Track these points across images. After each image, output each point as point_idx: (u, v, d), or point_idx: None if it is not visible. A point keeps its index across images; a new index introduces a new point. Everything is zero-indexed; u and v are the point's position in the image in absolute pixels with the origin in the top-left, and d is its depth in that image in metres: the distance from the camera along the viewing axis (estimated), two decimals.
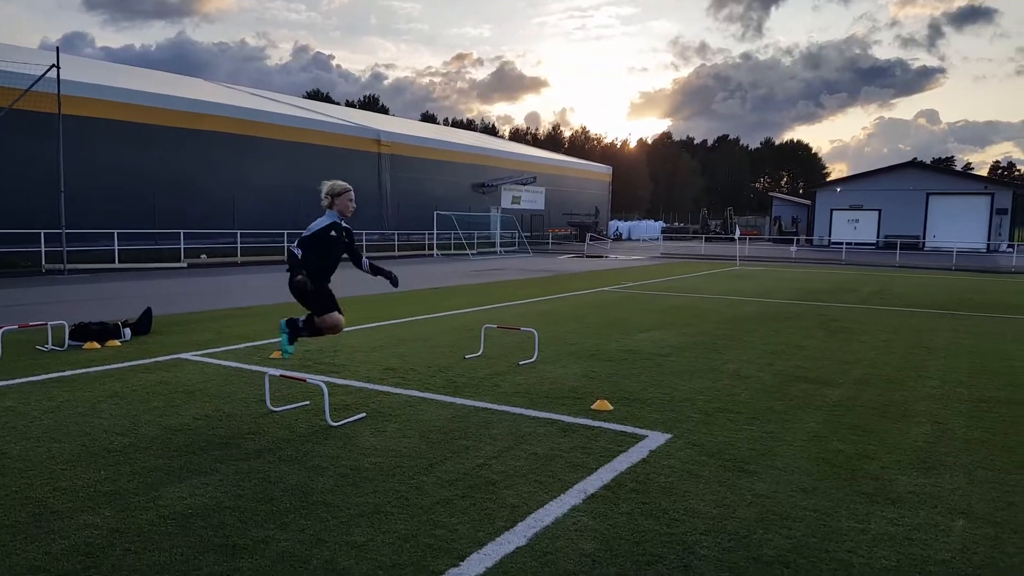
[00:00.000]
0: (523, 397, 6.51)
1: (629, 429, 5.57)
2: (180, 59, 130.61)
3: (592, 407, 6.15)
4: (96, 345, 8.76)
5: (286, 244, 28.80)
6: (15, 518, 3.86)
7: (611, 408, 6.13)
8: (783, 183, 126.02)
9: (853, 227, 50.31)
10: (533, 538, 3.68)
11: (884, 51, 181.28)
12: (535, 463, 4.79)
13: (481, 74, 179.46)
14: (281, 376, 6.08)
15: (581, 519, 3.92)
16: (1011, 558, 3.55)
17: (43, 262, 20.97)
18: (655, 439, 5.34)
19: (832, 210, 51.29)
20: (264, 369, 6.81)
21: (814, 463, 4.88)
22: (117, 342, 9.02)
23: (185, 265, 23.82)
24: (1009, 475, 4.71)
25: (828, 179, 69.45)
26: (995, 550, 3.63)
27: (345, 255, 6.24)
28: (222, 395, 6.51)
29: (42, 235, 20.85)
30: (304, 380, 5.83)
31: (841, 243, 43.69)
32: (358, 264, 6.32)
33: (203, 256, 26.04)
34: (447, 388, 6.83)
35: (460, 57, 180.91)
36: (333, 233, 5.97)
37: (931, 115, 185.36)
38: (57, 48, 20.37)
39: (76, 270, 20.66)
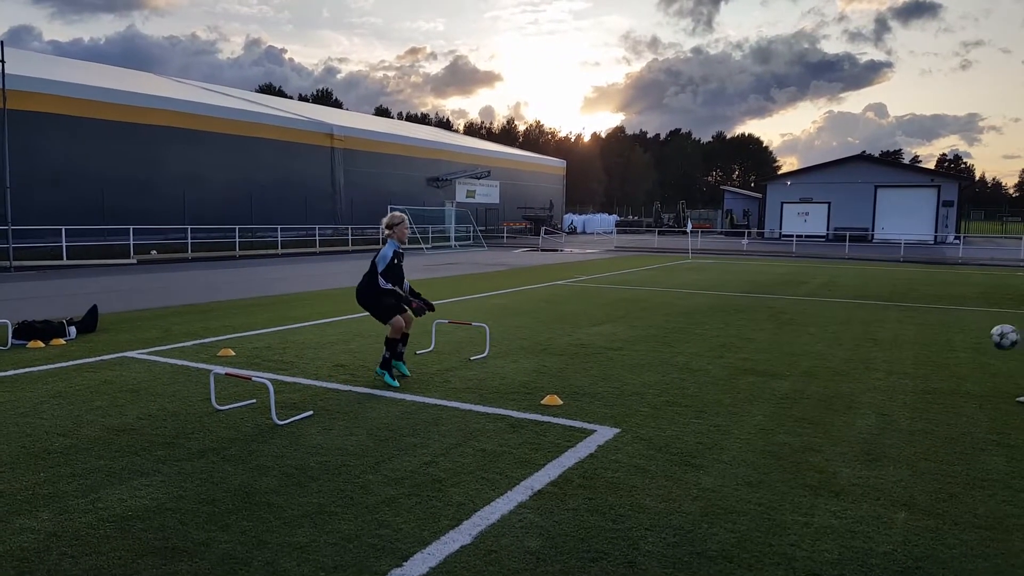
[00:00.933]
0: (473, 393, 6.51)
1: (578, 424, 5.61)
2: (130, 53, 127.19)
3: (542, 402, 6.18)
4: (40, 344, 8.51)
5: (237, 239, 28.30)
6: None
7: (561, 403, 6.17)
8: (735, 176, 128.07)
9: (803, 220, 51.37)
10: (478, 536, 3.68)
11: (832, 45, 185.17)
12: (483, 460, 4.79)
13: (435, 68, 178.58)
14: (227, 375, 5.98)
15: (527, 516, 3.94)
16: (951, 549, 3.64)
17: None
18: (603, 434, 5.38)
19: (783, 203, 52.29)
20: (210, 367, 6.69)
21: (760, 456, 4.98)
22: (62, 340, 8.77)
23: (135, 261, 23.24)
24: (951, 466, 4.85)
25: (779, 172, 70.81)
26: (936, 542, 3.73)
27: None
28: (167, 394, 6.38)
29: None
30: (250, 379, 5.74)
31: (792, 236, 44.57)
32: (400, 284, 7.04)
33: (153, 252, 25.43)
34: (397, 385, 6.78)
35: (414, 51, 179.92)
36: (396, 261, 6.94)
37: (879, 108, 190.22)
38: (1, 42, 19.64)
39: (22, 267, 20.00)
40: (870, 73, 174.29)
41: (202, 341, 8.97)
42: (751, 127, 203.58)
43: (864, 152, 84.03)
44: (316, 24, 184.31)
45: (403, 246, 7.11)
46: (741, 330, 10.43)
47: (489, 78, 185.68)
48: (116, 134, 26.66)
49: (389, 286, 6.86)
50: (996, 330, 6.78)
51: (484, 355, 8.14)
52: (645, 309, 12.68)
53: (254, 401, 6.06)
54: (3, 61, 18.83)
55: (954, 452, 5.14)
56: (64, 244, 22.11)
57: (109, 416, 5.68)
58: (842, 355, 8.67)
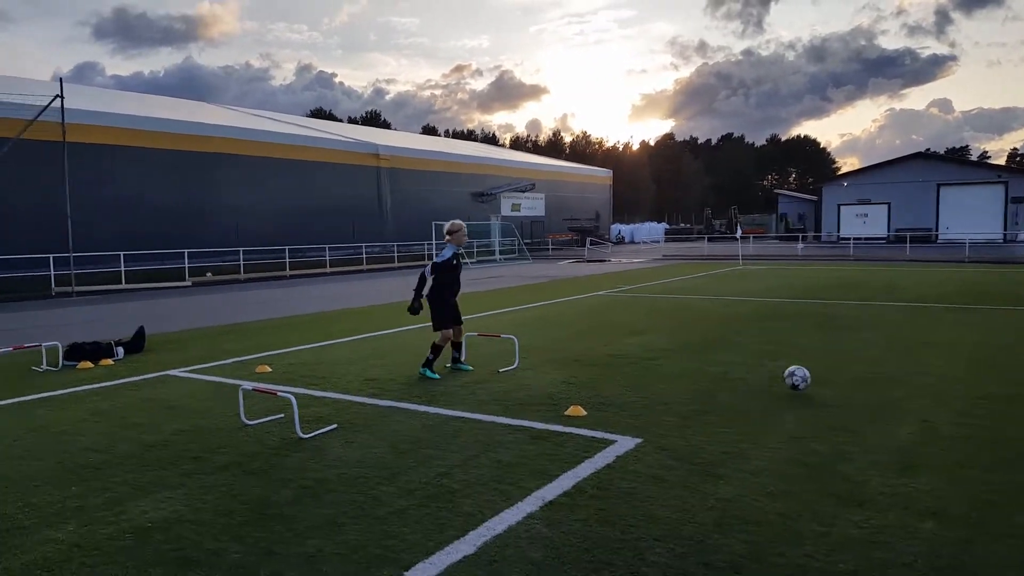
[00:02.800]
0: (497, 405, 6.50)
1: (599, 434, 5.54)
2: (188, 84, 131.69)
3: (565, 413, 6.13)
4: (89, 364, 8.85)
5: (287, 259, 28.98)
6: None
7: (584, 414, 6.10)
8: (791, 179, 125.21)
9: (862, 222, 49.94)
10: (482, 546, 3.66)
11: (891, 41, 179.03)
12: (498, 471, 4.77)
13: (480, 84, 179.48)
14: (254, 390, 6.11)
15: (535, 527, 3.90)
16: (979, 559, 3.47)
17: (53, 285, 21.19)
18: (624, 444, 5.31)
19: (840, 205, 50.94)
20: (240, 383, 6.85)
21: (786, 465, 4.83)
22: (110, 361, 9.10)
23: (189, 284, 24.00)
24: (992, 473, 4.62)
25: (838, 173, 68.96)
26: (963, 552, 3.55)
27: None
28: (201, 410, 6.55)
29: (51, 259, 21.10)
30: (275, 393, 5.84)
31: (851, 239, 43.37)
32: (451, 286, 7.98)
33: (208, 274, 26.23)
34: (423, 397, 6.83)
35: (459, 68, 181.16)
36: (455, 262, 7.92)
37: (944, 104, 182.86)
38: (60, 79, 20.69)
39: (84, 292, 20.86)
40: (933, 68, 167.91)
41: (241, 359, 9.19)
42: (807, 128, 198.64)
43: (928, 150, 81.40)
44: (364, 47, 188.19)
45: (461, 250, 8.03)
46: (787, 337, 10.17)
47: (535, 91, 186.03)
48: (172, 162, 27.63)
49: (430, 279, 7.74)
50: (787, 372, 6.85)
51: (513, 367, 8.12)
52: (686, 318, 12.48)
53: (282, 416, 6.17)
54: (62, 98, 19.75)
55: (997, 459, 4.90)
56: (123, 269, 22.98)
57: (144, 432, 5.86)
58: (894, 360, 8.37)
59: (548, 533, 3.82)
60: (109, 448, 5.44)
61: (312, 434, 5.66)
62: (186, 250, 25.45)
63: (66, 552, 3.68)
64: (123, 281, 22.77)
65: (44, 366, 8.69)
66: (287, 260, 28.76)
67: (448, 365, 8.13)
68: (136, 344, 9.85)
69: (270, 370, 8.34)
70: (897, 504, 4.14)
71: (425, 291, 7.77)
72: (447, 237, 7.95)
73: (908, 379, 7.35)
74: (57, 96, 19.69)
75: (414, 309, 7.71)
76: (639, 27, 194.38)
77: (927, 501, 4.18)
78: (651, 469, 4.78)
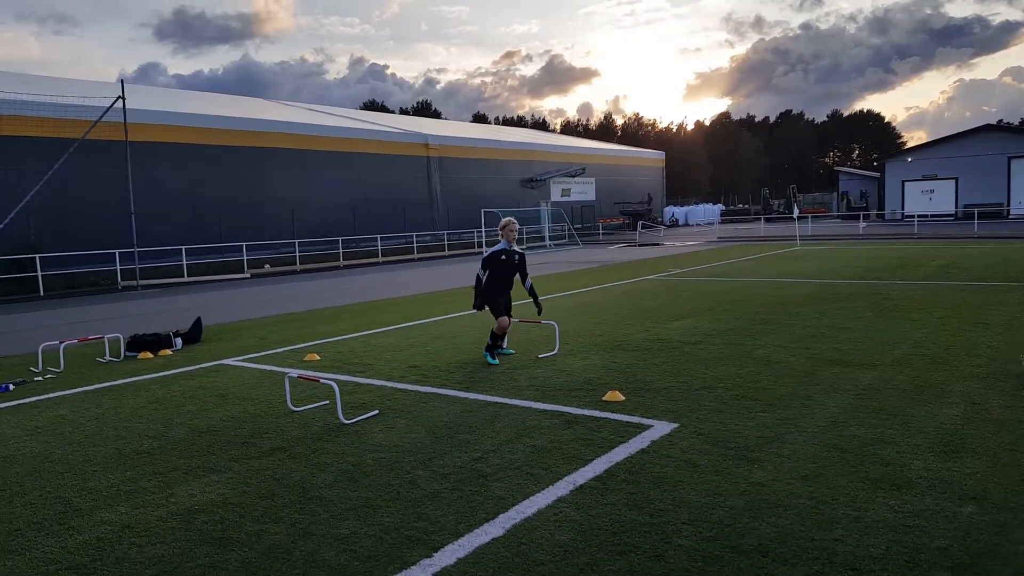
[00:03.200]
0: (535, 390, 6.56)
1: (635, 419, 5.55)
2: (245, 80, 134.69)
3: (603, 398, 6.15)
4: (149, 355, 9.23)
5: (341, 249, 29.53)
6: (43, 516, 4.16)
7: (623, 399, 6.11)
8: (855, 156, 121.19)
9: (928, 198, 48.14)
10: (511, 529, 3.73)
11: (959, 8, 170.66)
12: (532, 456, 4.83)
13: (531, 70, 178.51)
14: (299, 377, 6.30)
15: (564, 510, 3.95)
16: (1016, 545, 3.38)
17: (119, 280, 22.07)
18: (660, 428, 5.30)
19: (904, 182, 49.17)
20: (288, 371, 7.06)
21: (824, 449, 4.76)
22: (169, 351, 9.47)
23: (248, 276, 24.69)
24: None
25: (904, 149, 66.49)
26: (1001, 536, 3.47)
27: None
28: (252, 397, 6.78)
29: (117, 255, 21.97)
30: (318, 380, 6.02)
31: (916, 216, 41.86)
32: (523, 282, 8.23)
33: (266, 266, 26.92)
34: (463, 384, 6.93)
35: (509, 55, 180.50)
36: (502, 257, 8.01)
37: (1018, 72, 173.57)
38: (122, 81, 21.48)
39: (148, 285, 21.67)
40: (1005, 35, 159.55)
41: (293, 347, 9.46)
42: (871, 103, 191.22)
43: (1001, 121, 77.72)
44: (415, 38, 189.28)
45: (512, 246, 8.07)
46: (836, 319, 9.94)
47: (586, 75, 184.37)
48: (230, 158, 28.40)
49: (483, 274, 7.97)
50: None
51: (553, 353, 8.17)
52: (734, 301, 12.30)
53: (327, 402, 6.34)
54: (123, 99, 20.48)
55: None
56: (184, 263, 23.79)
57: (196, 419, 6.11)
58: (943, 342, 8.12)
59: (577, 516, 3.87)
60: (163, 434, 5.69)
61: (354, 420, 5.81)
62: (244, 243, 26.17)
63: (118, 533, 3.89)
64: (185, 275, 23.58)
65: (107, 357, 9.11)
66: (340, 251, 29.31)
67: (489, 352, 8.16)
68: (193, 335, 10.22)
69: (319, 358, 8.56)
70: (935, 488, 4.05)
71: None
72: (500, 233, 8.20)
73: (957, 361, 7.13)
74: (119, 97, 20.43)
75: (478, 306, 8.01)
76: (692, 5, 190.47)
77: (968, 485, 4.08)
78: (685, 454, 4.77)
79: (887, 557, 3.30)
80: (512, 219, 8.16)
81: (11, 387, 7.48)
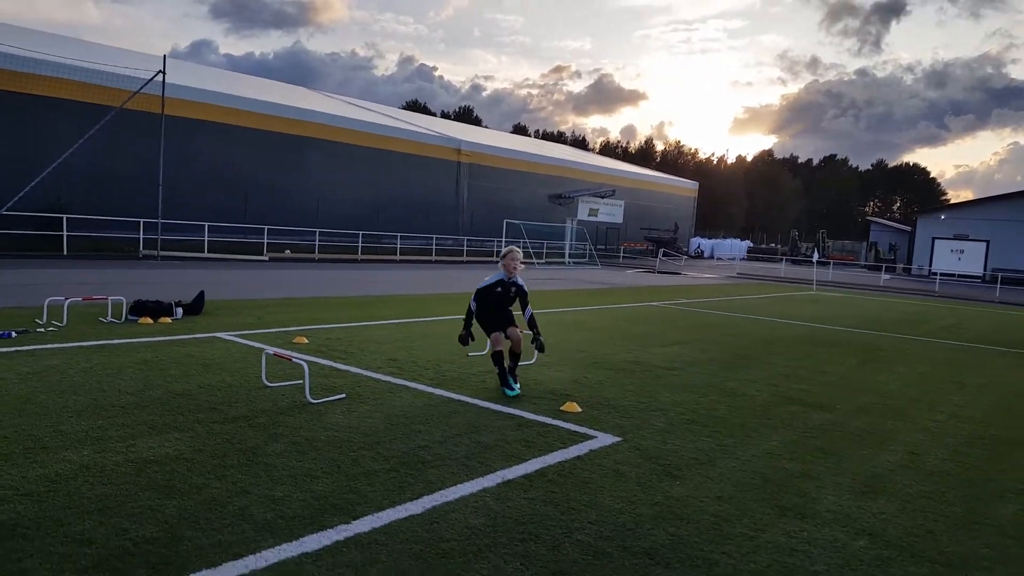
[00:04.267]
0: (500, 394, 6.84)
1: (582, 430, 5.82)
2: (295, 67, 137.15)
3: (560, 408, 6.42)
4: (149, 321, 9.66)
5: (360, 243, 30.05)
6: (12, 449, 4.53)
7: (579, 411, 6.38)
8: (895, 208, 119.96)
9: (957, 257, 47.63)
10: (430, 510, 4.03)
11: (1021, 70, 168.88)
12: (474, 450, 5.12)
13: (578, 86, 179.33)
14: (274, 355, 6.65)
15: (484, 499, 4.24)
16: None
17: (141, 248, 22.76)
18: (602, 440, 5.57)
19: (934, 238, 48.74)
20: (273, 349, 7.42)
21: (749, 476, 5.00)
22: (169, 319, 9.90)
23: (267, 259, 25.27)
24: (951, 507, 4.67)
25: (939, 206, 65.92)
26: (878, 569, 3.69)
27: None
28: (233, 369, 7.15)
29: (141, 224, 22.66)
30: (291, 360, 6.36)
31: (943, 274, 41.52)
32: (523, 312, 7.26)
33: (287, 252, 27.53)
34: (434, 380, 7.24)
35: (558, 69, 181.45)
36: (499, 289, 7.12)
37: None
38: (164, 56, 22.23)
39: (168, 257, 22.32)
40: None
41: (286, 329, 9.84)
42: (919, 156, 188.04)
43: None
44: (466, 43, 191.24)
45: (513, 278, 7.13)
46: (817, 363, 10.11)
47: (633, 97, 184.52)
48: (263, 142, 29.13)
49: (473, 306, 7.04)
50: None
51: (531, 362, 8.44)
52: (727, 335, 12.49)
53: (300, 382, 6.67)
54: (164, 73, 21.21)
55: (966, 496, 4.92)
56: (206, 239, 24.45)
57: (175, 383, 6.48)
58: (912, 395, 8.28)
59: (494, 506, 4.15)
60: (141, 392, 6.07)
61: (320, 400, 6.14)
62: (266, 226, 26.79)
63: (75, 471, 4.24)
64: (205, 250, 24.21)
65: (109, 318, 9.56)
66: (360, 244, 29.84)
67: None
68: (196, 306, 10.65)
69: (307, 341, 8.92)
70: (838, 521, 4.27)
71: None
72: (499, 262, 7.29)
73: (916, 414, 7.30)
74: (159, 71, 21.14)
75: (462, 338, 7.05)
76: (748, 38, 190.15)
77: (869, 522, 4.29)
78: (617, 464, 5.03)
79: (763, 573, 3.55)
80: (516, 249, 7.28)
81: (13, 335, 7.93)
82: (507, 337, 7.00)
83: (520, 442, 5.38)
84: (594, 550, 3.67)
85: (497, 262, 7.30)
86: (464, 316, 7.14)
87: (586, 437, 5.63)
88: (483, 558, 3.50)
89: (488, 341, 7.11)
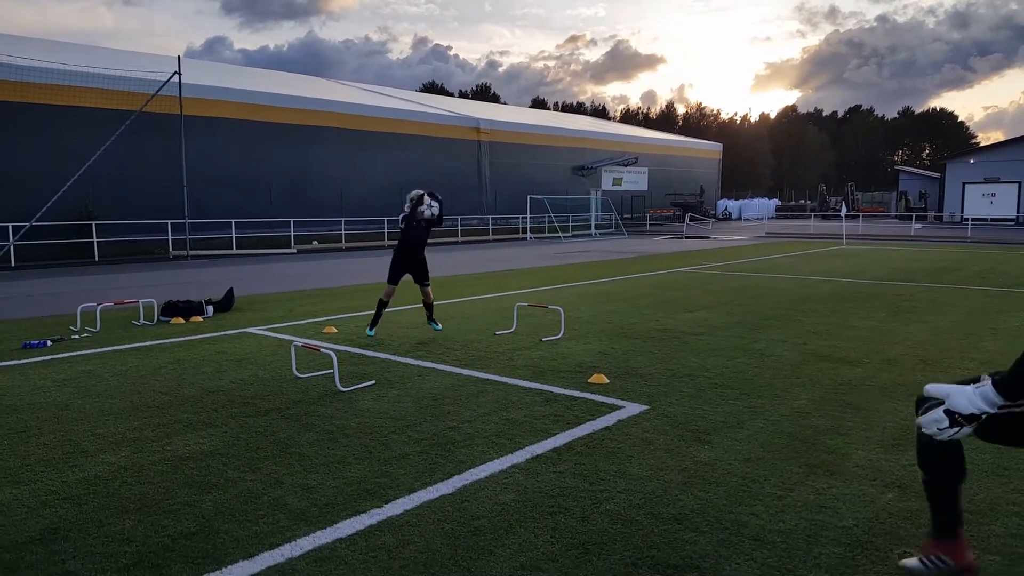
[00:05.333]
0: (528, 370, 6.89)
1: (610, 400, 5.84)
2: (310, 57, 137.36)
3: (588, 380, 6.45)
4: (181, 320, 9.85)
5: (385, 229, 30.20)
6: (53, 454, 4.68)
7: (607, 382, 6.40)
8: (924, 155, 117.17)
9: (989, 201, 46.52)
10: (460, 489, 4.09)
11: None
12: (503, 427, 5.18)
13: (595, 55, 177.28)
14: (303, 346, 6.75)
15: (514, 475, 4.29)
16: (918, 529, 3.58)
17: (170, 249, 23.14)
18: (630, 410, 5.59)
19: (964, 183, 47.60)
20: (304, 341, 7.53)
21: (777, 436, 4.98)
22: (200, 318, 10.09)
23: (295, 251, 25.54)
24: (982, 455, 4.59)
25: (967, 149, 64.21)
26: (907, 521, 3.68)
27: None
28: (264, 363, 7.28)
29: (169, 225, 23.01)
30: (319, 350, 6.46)
31: (975, 219, 40.59)
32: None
33: (315, 242, 27.77)
34: (461, 361, 7.31)
35: (573, 39, 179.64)
36: (403, 224, 8.78)
37: None
38: (179, 57, 22.41)
39: (198, 256, 22.66)
40: None
41: (315, 320, 9.98)
42: (946, 100, 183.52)
43: None
44: (479, 19, 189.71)
45: (418, 216, 8.65)
46: (846, 318, 9.99)
47: (651, 61, 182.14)
48: (283, 134, 29.31)
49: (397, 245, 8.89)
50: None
51: (557, 337, 8.47)
52: (755, 296, 12.39)
53: (331, 371, 6.78)
54: (179, 74, 21.39)
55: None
56: (234, 235, 24.76)
57: (209, 380, 6.63)
58: (943, 344, 8.16)
59: (524, 481, 4.20)
60: (175, 391, 6.22)
61: (350, 388, 6.24)
62: (292, 219, 27.05)
63: (114, 472, 4.37)
64: (234, 247, 24.54)
65: (142, 320, 9.77)
66: (385, 230, 30.00)
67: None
68: (225, 303, 10.84)
69: (336, 331, 9.04)
70: (867, 476, 4.26)
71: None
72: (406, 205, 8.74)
73: (948, 363, 7.20)
74: (175, 73, 21.32)
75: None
76: None
77: (899, 475, 4.27)
78: (644, 432, 5.05)
79: (792, 531, 3.56)
80: (419, 192, 8.90)
81: (49, 343, 8.14)
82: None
83: (548, 417, 5.42)
84: (623, 519, 3.70)
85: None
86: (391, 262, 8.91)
87: (614, 408, 5.65)
88: (513, 533, 3.55)
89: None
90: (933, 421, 2.52)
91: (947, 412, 2.49)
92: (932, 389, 2.59)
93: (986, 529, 3.62)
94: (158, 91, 21.47)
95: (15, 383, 6.51)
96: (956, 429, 2.49)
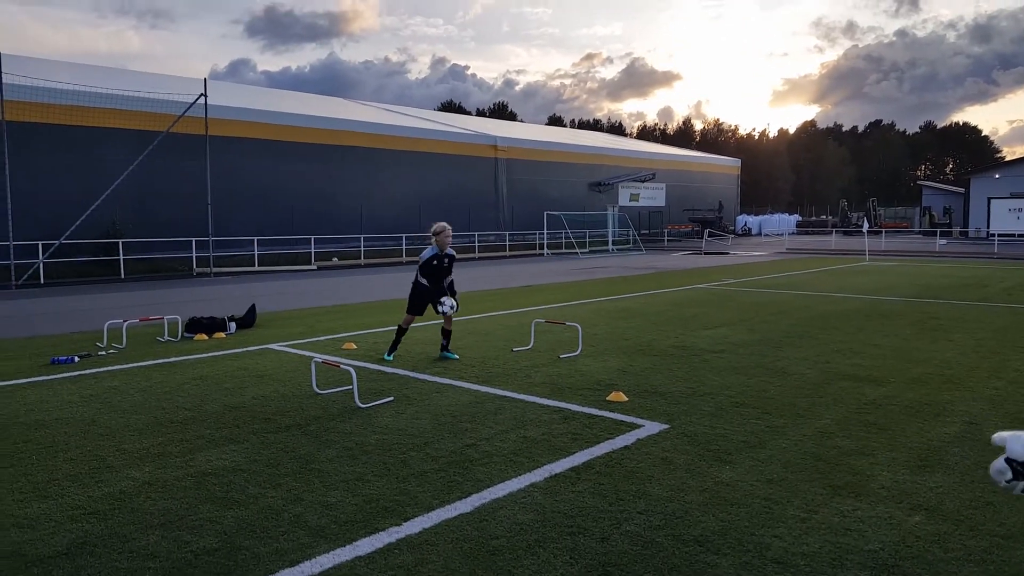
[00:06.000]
0: (546, 387, 6.88)
1: (630, 419, 5.81)
2: (331, 79, 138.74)
3: (607, 398, 6.42)
4: (204, 337, 9.96)
5: (404, 246, 30.38)
6: (79, 469, 4.74)
7: (625, 400, 6.37)
8: (948, 170, 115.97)
9: (1016, 217, 45.85)
10: (479, 507, 4.09)
11: None
12: (521, 445, 5.17)
13: (611, 72, 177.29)
14: (323, 362, 6.80)
15: (533, 495, 4.28)
16: (947, 553, 3.53)
17: (194, 266, 23.41)
18: (650, 429, 5.55)
19: (990, 199, 47.00)
20: (325, 357, 7.58)
21: (800, 456, 4.93)
22: (223, 334, 10.19)
23: (315, 268, 25.73)
24: None
25: (991, 164, 63.51)
26: (935, 545, 3.62)
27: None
28: (285, 379, 7.33)
29: (193, 243, 23.31)
30: (338, 366, 6.50)
31: (1007, 234, 40.02)
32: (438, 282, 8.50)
33: (335, 259, 27.98)
34: (479, 378, 7.31)
35: (589, 57, 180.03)
36: (434, 263, 8.33)
37: None
38: (205, 80, 22.83)
39: (221, 273, 22.90)
40: None
41: (336, 336, 10.04)
42: (969, 115, 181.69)
43: None
44: (496, 39, 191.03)
45: (445, 252, 8.32)
46: (871, 336, 9.88)
47: (667, 78, 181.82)
48: (305, 154, 29.66)
49: (424, 282, 8.29)
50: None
51: (575, 354, 8.45)
52: (776, 313, 12.29)
53: (350, 387, 6.81)
54: (205, 95, 21.76)
55: None
56: (256, 253, 25.02)
57: (231, 396, 6.68)
58: (970, 363, 8.04)
59: (542, 500, 4.19)
60: (198, 407, 6.28)
61: (369, 404, 6.27)
62: (313, 236, 27.30)
63: (138, 487, 4.42)
64: (256, 264, 24.78)
65: (166, 337, 9.88)
66: (404, 247, 30.17)
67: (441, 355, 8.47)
68: (248, 320, 10.94)
69: (355, 347, 9.09)
70: (893, 498, 4.19)
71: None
72: (432, 239, 8.30)
73: (975, 382, 7.09)
74: (201, 95, 21.70)
75: (432, 304, 8.28)
76: (781, 9, 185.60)
77: (926, 497, 4.20)
78: (665, 452, 5.02)
79: (816, 554, 3.51)
80: (445, 224, 8.38)
81: (76, 359, 8.27)
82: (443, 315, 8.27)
83: (567, 435, 5.40)
84: (643, 540, 3.67)
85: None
86: (414, 293, 8.38)
87: (633, 426, 5.62)
88: (532, 553, 3.54)
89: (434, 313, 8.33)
90: (998, 472, 2.28)
91: (1008, 461, 2.23)
92: (997, 438, 2.36)
93: (1018, 554, 3.55)
94: (185, 112, 21.84)
95: (43, 398, 6.61)
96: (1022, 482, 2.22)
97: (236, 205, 26.11)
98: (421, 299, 8.34)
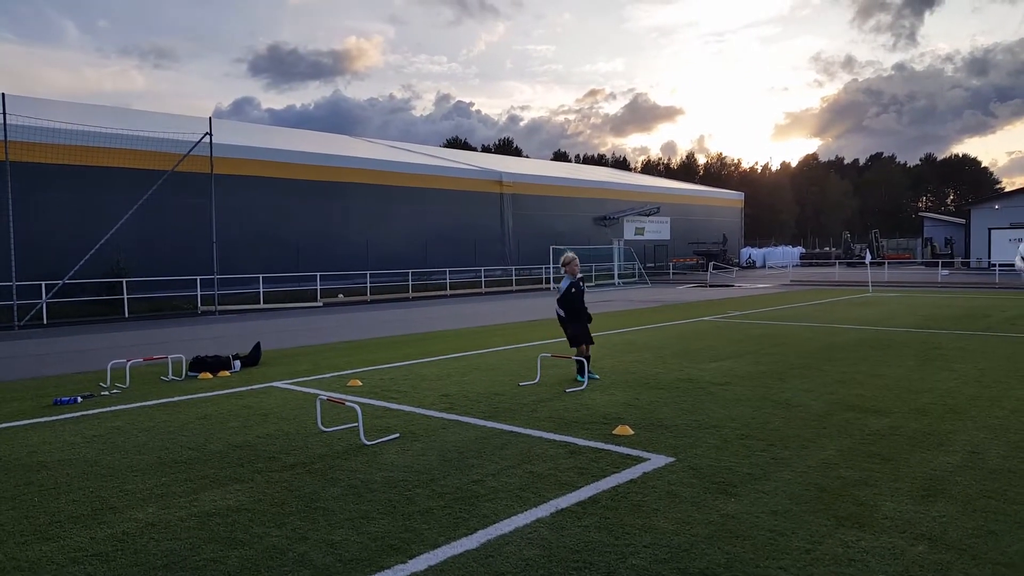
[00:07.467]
0: (552, 422, 6.87)
1: (636, 452, 5.80)
2: (336, 116, 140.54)
3: (613, 432, 6.42)
4: (209, 375, 9.98)
5: (410, 282, 30.49)
6: (81, 511, 4.74)
7: (631, 433, 6.37)
8: (948, 202, 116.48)
9: (1016, 247, 45.83)
10: (485, 544, 4.08)
11: None
12: (527, 480, 5.16)
13: (614, 108, 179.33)
14: (328, 399, 6.81)
15: (539, 530, 4.27)
16: None
17: (199, 304, 23.52)
18: (656, 462, 5.55)
19: (990, 229, 47.12)
20: (328, 394, 7.60)
21: (805, 488, 4.92)
22: (227, 372, 10.21)
23: (320, 304, 25.82)
24: (1014, 505, 4.53)
25: (991, 195, 63.78)
26: (938, 574, 3.61)
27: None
28: (290, 417, 7.34)
29: (198, 281, 23.45)
30: (343, 403, 6.52)
31: (1008, 264, 39.95)
32: (576, 310, 9.30)
33: (340, 296, 28.07)
34: (486, 413, 7.31)
35: (592, 93, 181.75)
36: (572, 290, 9.14)
37: None
38: (210, 119, 23.18)
39: (226, 311, 22.99)
40: None
41: (340, 373, 10.05)
42: (969, 147, 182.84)
43: None
44: (500, 76, 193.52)
45: (577, 277, 9.13)
46: (874, 367, 9.87)
47: (670, 113, 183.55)
48: (310, 191, 29.94)
49: (562, 312, 9.09)
50: None
51: (582, 387, 8.45)
52: (780, 345, 12.29)
53: (355, 424, 6.82)
54: (210, 135, 22.07)
55: None
56: (261, 290, 25.13)
57: (235, 435, 6.69)
58: (971, 393, 8.03)
59: (549, 536, 4.18)
60: (202, 447, 6.28)
61: (375, 441, 6.27)
62: (318, 273, 27.44)
63: (142, 529, 4.42)
64: (261, 302, 24.88)
65: (170, 376, 9.91)
66: (410, 283, 30.28)
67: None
68: (252, 358, 10.97)
69: (360, 384, 9.10)
70: (896, 528, 4.18)
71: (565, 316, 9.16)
72: (563, 269, 9.18)
73: (977, 412, 7.08)
74: (206, 134, 22.01)
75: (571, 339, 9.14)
76: (781, 44, 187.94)
77: (929, 526, 4.19)
78: (670, 485, 5.01)
79: None
80: (572, 255, 9.25)
81: (79, 400, 8.29)
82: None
83: (573, 469, 5.40)
84: (649, 574, 3.66)
85: (549, 287, 8.71)
86: (568, 320, 9.13)
87: (639, 460, 5.61)
88: None
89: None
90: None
91: None
92: None
93: None
94: (190, 151, 22.13)
95: (46, 440, 6.62)
96: None
97: (241, 242, 26.31)
98: (578, 317, 9.07)
